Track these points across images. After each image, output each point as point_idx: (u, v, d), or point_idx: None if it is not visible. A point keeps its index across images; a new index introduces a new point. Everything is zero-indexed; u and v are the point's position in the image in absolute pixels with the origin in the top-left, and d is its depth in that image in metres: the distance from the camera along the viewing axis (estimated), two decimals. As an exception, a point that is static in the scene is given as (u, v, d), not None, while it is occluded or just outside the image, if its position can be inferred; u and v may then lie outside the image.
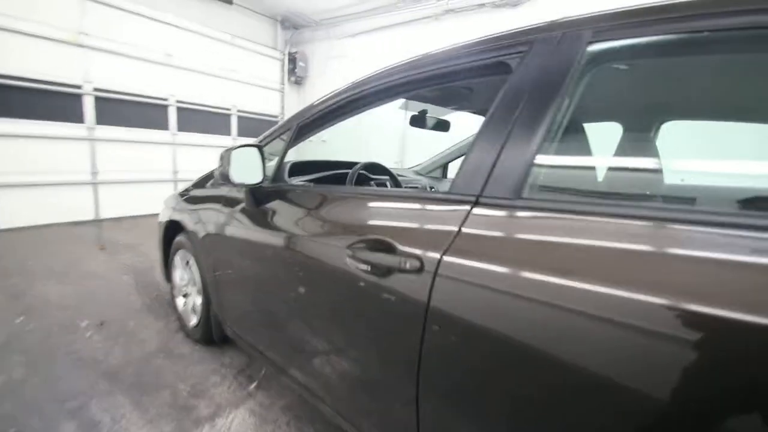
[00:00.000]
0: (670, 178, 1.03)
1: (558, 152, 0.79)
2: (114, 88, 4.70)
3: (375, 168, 1.79)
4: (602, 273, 0.57)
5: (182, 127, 5.47)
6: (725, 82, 0.93)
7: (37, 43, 4.02)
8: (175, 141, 5.41)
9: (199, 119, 5.70)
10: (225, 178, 1.32)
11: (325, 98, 1.29)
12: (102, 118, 4.67)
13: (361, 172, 1.75)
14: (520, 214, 0.70)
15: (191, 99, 5.50)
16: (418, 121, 1.95)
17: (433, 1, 5.30)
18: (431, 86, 1.09)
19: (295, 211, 1.23)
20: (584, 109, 0.81)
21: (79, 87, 4.44)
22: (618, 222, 0.60)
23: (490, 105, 0.82)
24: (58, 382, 1.61)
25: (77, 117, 4.50)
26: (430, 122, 2.00)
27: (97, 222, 4.81)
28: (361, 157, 6.05)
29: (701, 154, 0.91)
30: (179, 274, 2.06)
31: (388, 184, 1.96)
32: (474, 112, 1.83)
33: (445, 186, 2.36)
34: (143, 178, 5.09)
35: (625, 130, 1.28)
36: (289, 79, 6.86)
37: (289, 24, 6.64)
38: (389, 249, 0.86)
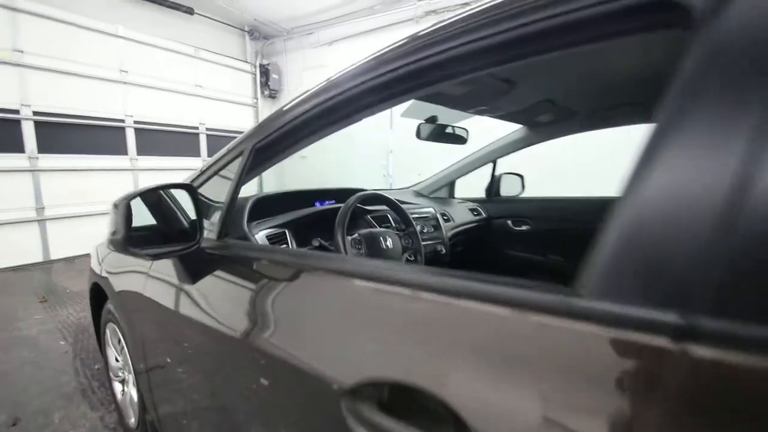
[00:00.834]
0: None
1: None
2: (59, 110, 4.12)
3: (372, 197, 1.31)
4: None
5: (143, 150, 4.89)
6: None
7: (-42, 63, 3.45)
8: (135, 166, 4.83)
9: (163, 140, 5.13)
10: (119, 247, 0.80)
11: (291, 105, 0.82)
12: (45, 146, 4.07)
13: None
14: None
15: (152, 118, 4.95)
16: (428, 132, 1.48)
17: (413, 3, 4.94)
18: (476, 67, 0.61)
19: (254, 305, 0.74)
20: None
21: (16, 111, 3.85)
22: None
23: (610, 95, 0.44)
24: None
25: (16, 146, 3.90)
26: (442, 133, 1.53)
27: (47, 264, 4.17)
28: (346, 174, 5.56)
29: None
30: (112, 354, 1.52)
31: (389, 217, 1.49)
32: (505, 116, 1.37)
33: (459, 212, 1.90)
34: (99, 210, 4.48)
35: None
36: (262, 92, 6.38)
37: (259, 34, 6.18)
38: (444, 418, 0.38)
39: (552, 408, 0.34)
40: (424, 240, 1.52)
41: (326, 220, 1.17)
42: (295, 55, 6.25)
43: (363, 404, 0.47)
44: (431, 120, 1.43)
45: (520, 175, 2.09)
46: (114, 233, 0.80)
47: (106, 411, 1.67)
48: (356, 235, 1.13)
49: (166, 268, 0.97)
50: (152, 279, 1.02)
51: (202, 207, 0.91)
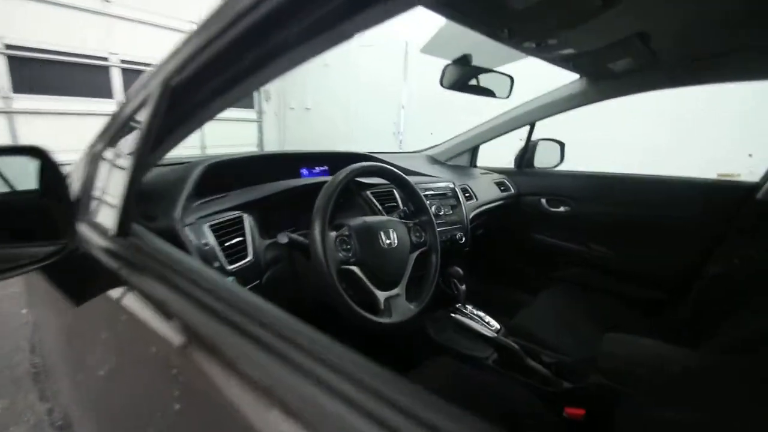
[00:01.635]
0: None
1: None
2: (34, 44, 3.67)
3: (373, 170, 0.92)
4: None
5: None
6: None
7: None
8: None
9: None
10: None
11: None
12: (22, 85, 3.68)
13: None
14: None
15: (142, 58, 4.45)
16: (456, 77, 1.05)
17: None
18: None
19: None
20: None
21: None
22: None
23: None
24: None
25: (-13, 84, 3.51)
26: (476, 80, 1.09)
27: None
28: (354, 130, 5.10)
29: None
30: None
31: (396, 194, 1.13)
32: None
33: (483, 186, 1.52)
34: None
35: None
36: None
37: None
38: None
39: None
40: (440, 225, 1.17)
41: (311, 199, 0.81)
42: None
43: None
44: (462, 61, 1.01)
45: (561, 142, 1.68)
46: None
47: (57, 403, 1.44)
48: (345, 228, 0.78)
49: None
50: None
51: (62, 182, 0.56)
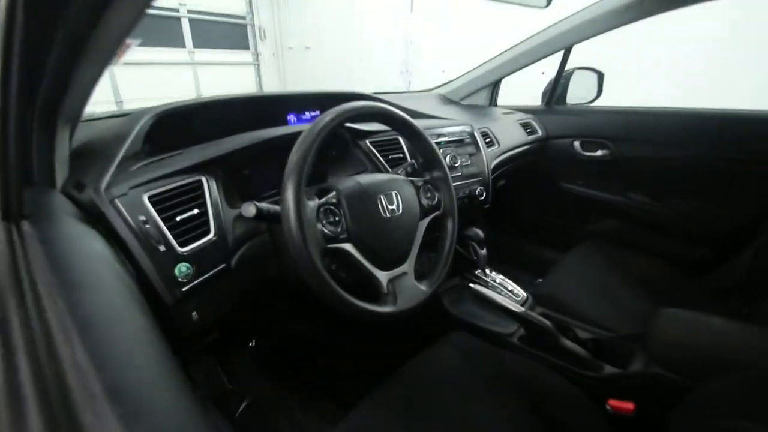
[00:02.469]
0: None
1: None
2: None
3: (369, 112, 0.70)
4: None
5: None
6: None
7: None
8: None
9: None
10: None
11: None
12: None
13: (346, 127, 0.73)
14: None
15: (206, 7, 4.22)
16: None
17: None
18: None
19: None
20: None
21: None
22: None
23: None
24: None
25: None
26: None
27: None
28: (357, 70, 4.71)
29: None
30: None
31: (401, 144, 0.92)
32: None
33: (506, 129, 1.29)
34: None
35: None
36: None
37: None
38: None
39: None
40: (456, 179, 0.97)
41: (287, 145, 0.61)
42: None
43: None
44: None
45: (599, 71, 1.40)
46: None
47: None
48: (332, 193, 0.60)
49: None
50: None
51: None
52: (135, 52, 3.86)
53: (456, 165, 0.99)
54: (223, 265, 0.59)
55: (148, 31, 4.02)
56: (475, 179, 1.03)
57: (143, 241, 0.51)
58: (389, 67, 4.48)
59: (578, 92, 1.42)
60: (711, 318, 0.70)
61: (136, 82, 3.74)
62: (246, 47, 5.23)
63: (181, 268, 0.53)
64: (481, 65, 1.42)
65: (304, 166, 0.53)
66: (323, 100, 1.00)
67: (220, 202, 0.62)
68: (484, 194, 1.03)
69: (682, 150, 1.18)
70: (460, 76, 1.48)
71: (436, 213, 0.73)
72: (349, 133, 0.87)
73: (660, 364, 0.71)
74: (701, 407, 0.56)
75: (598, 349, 0.83)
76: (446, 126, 1.06)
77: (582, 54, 1.31)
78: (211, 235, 0.58)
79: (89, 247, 0.40)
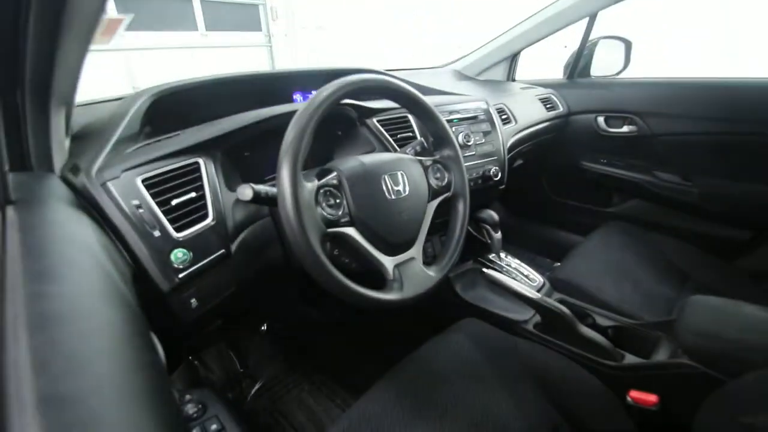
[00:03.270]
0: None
1: None
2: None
3: (374, 86, 0.65)
4: None
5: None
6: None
7: None
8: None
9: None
10: None
11: None
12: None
13: (345, 103, 0.69)
14: None
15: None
16: None
17: None
18: None
19: None
20: None
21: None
22: None
23: None
24: None
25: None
26: None
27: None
28: (370, 52, 4.59)
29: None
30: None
31: (411, 121, 0.87)
32: None
33: (525, 105, 1.21)
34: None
35: None
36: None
37: None
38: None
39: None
40: (468, 158, 0.92)
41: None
42: None
43: None
44: None
45: (626, 40, 1.29)
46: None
47: None
48: (333, 174, 0.56)
49: None
50: None
51: None
52: (148, 36, 3.85)
53: (469, 144, 0.94)
54: (223, 251, 0.57)
55: (159, 13, 3.99)
56: (489, 159, 0.98)
57: (137, 226, 0.49)
58: (402, 52, 4.34)
59: (603, 64, 1.32)
60: (744, 305, 0.64)
61: (152, 70, 3.75)
62: (258, 28, 5.15)
63: (178, 254, 0.51)
64: (497, 37, 1.34)
65: (300, 144, 0.49)
66: (331, 77, 0.95)
67: (218, 185, 0.60)
68: (500, 174, 0.97)
69: (717, 125, 1.08)
70: (475, 50, 1.40)
71: (446, 194, 0.68)
72: (355, 111, 0.83)
73: (687, 354, 0.66)
74: (731, 402, 0.52)
75: (619, 338, 0.79)
76: (459, 102, 1.00)
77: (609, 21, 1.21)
78: (209, 220, 0.56)
79: (72, 233, 0.38)
